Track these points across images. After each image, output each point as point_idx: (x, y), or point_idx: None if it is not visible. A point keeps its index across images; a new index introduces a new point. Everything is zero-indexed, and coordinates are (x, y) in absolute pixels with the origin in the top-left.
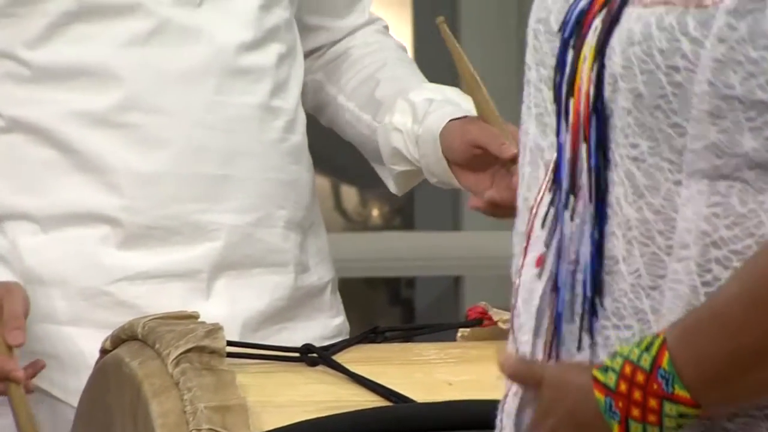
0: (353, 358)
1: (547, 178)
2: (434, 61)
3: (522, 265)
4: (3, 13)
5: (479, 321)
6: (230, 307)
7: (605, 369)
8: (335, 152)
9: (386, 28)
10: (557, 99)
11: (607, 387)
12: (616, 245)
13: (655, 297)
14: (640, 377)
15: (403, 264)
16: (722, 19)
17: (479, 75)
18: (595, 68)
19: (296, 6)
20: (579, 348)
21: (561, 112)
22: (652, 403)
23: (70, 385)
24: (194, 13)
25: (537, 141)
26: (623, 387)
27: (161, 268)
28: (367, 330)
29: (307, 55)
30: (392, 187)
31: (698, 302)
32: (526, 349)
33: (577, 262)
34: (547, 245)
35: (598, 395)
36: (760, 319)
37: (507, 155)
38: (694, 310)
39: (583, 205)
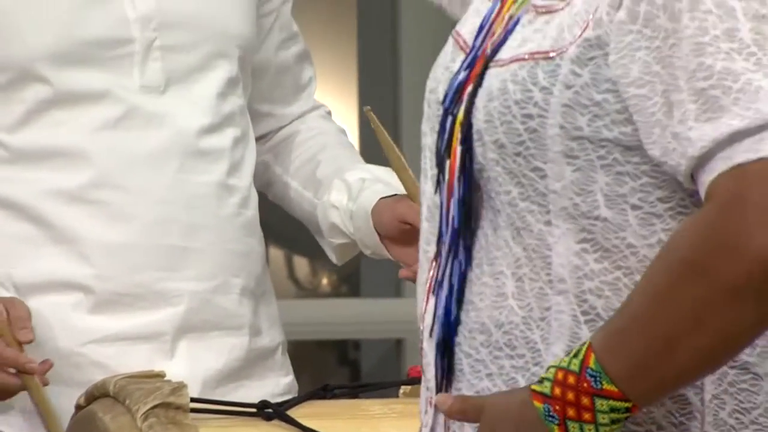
0: (305, 413)
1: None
2: (377, 142)
3: (425, 310)
4: None
5: (419, 379)
6: (192, 367)
7: (540, 380)
8: (289, 226)
9: (329, 113)
10: (438, 162)
11: (544, 394)
12: (505, 283)
13: (543, 327)
14: (571, 379)
15: (350, 328)
16: (567, 68)
17: (406, 158)
18: (463, 129)
19: (249, 94)
20: (478, 378)
21: (440, 173)
22: (585, 401)
23: None
24: (159, 99)
25: (434, 199)
26: (557, 391)
27: (129, 331)
28: (317, 387)
29: (258, 138)
30: (333, 258)
31: (580, 330)
32: (431, 385)
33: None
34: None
35: (537, 404)
36: (663, 311)
37: None
38: (616, 312)
39: (447, 254)
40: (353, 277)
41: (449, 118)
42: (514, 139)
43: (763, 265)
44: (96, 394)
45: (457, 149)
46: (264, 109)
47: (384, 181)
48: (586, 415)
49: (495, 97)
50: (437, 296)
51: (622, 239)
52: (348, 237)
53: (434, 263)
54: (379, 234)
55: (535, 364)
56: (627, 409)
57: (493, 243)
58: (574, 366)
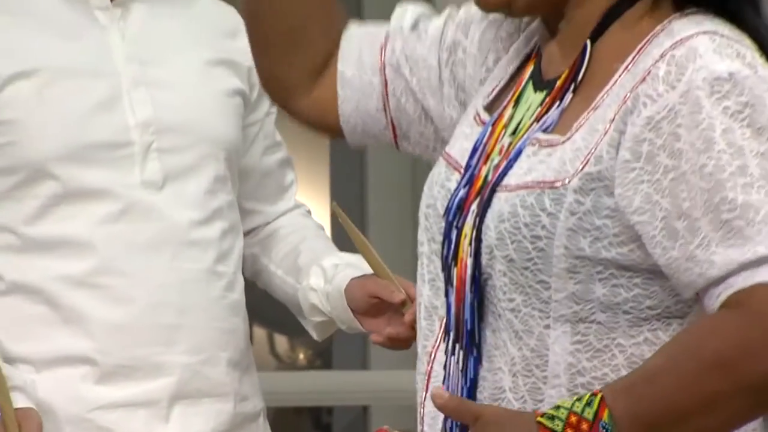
0: None
1: (441, 330)
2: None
3: (425, 398)
4: (5, 196)
5: None
6: (185, 430)
7: (551, 417)
8: (270, 308)
9: (308, 212)
10: (444, 268)
11: (554, 431)
12: (502, 378)
13: None
14: (584, 426)
15: (323, 396)
16: (571, 197)
17: (370, 242)
18: (473, 243)
19: (237, 192)
20: None
21: (446, 278)
22: None
23: None
24: (156, 196)
25: (431, 301)
26: None
27: (129, 399)
28: None
29: (248, 232)
30: (314, 335)
31: None
32: None
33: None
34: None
35: None
36: (686, 391)
37: (397, 300)
38: (626, 376)
39: (461, 351)
40: (326, 352)
41: (454, 231)
42: (523, 256)
43: None
44: None
45: (467, 260)
46: (251, 206)
47: (354, 266)
48: None
49: (506, 218)
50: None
51: (612, 339)
52: (326, 315)
53: (432, 356)
54: (352, 310)
55: None
56: None
57: (491, 343)
58: (588, 414)
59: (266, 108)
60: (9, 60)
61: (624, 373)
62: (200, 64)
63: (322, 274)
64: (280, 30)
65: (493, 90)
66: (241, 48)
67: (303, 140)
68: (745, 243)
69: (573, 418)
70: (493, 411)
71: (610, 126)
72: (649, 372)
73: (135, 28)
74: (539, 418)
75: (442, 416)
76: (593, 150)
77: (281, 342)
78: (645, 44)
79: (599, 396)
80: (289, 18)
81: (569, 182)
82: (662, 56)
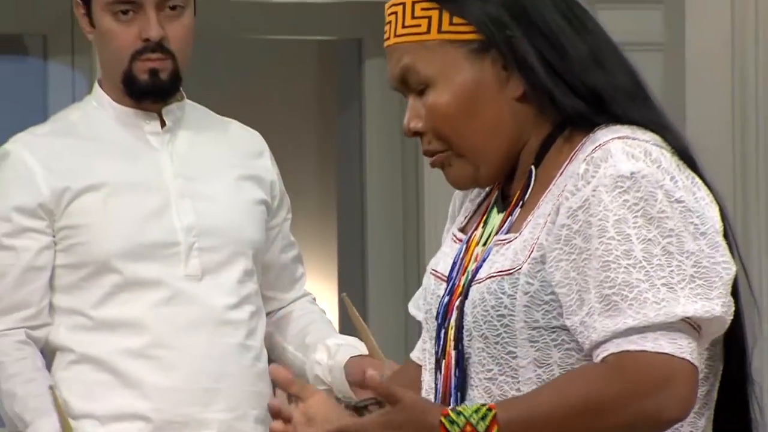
0: None
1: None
2: (349, 318)
3: None
4: (76, 286)
5: None
6: None
7: (451, 421)
8: None
9: (314, 299)
10: (436, 362)
11: None
12: None
13: None
14: None
15: None
16: (523, 279)
17: (370, 329)
18: (455, 331)
19: (260, 282)
20: None
21: (437, 369)
22: None
23: None
24: (197, 285)
25: (430, 384)
26: None
27: None
28: None
29: (266, 315)
30: None
31: None
32: None
33: None
34: None
35: None
36: (557, 419)
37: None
38: (519, 398)
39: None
40: None
41: (442, 331)
42: (493, 332)
43: (629, 416)
44: None
45: (452, 353)
46: (271, 294)
47: (353, 346)
48: None
49: (477, 304)
50: None
51: None
52: (327, 385)
53: None
54: (349, 382)
55: None
56: None
57: None
58: (481, 428)
59: (284, 214)
60: (79, 177)
61: None
62: (232, 180)
63: (326, 351)
64: None
65: (465, 217)
66: (265, 166)
67: (312, 235)
68: (618, 315)
69: (468, 428)
70: (411, 398)
71: (547, 219)
72: (535, 401)
73: (181, 151)
74: (442, 418)
75: None
76: (536, 240)
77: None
78: (576, 152)
79: (493, 412)
80: None
81: (521, 268)
82: (585, 159)
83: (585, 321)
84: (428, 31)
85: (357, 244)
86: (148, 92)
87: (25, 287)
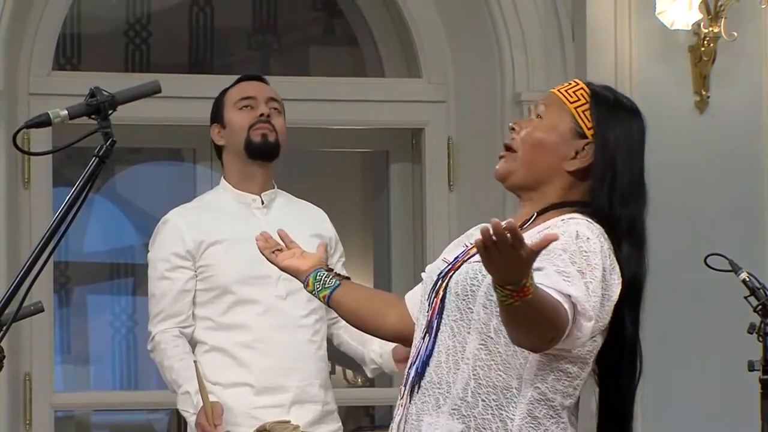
0: None
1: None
2: None
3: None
4: (208, 302)
5: None
6: (297, 419)
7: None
8: (343, 358)
9: None
10: (428, 325)
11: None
12: (450, 368)
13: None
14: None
15: (369, 401)
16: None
17: None
18: (442, 292)
19: None
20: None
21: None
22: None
23: None
24: (283, 302)
25: (418, 340)
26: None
27: (270, 403)
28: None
29: (329, 320)
30: (368, 374)
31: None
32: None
33: None
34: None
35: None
36: (539, 308)
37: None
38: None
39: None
40: (371, 379)
41: (437, 287)
42: (463, 293)
43: (557, 339)
44: (260, 429)
45: (440, 294)
46: None
47: (390, 345)
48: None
49: (461, 274)
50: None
51: (506, 343)
52: (378, 365)
53: (416, 361)
54: (394, 360)
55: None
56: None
57: (441, 338)
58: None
59: (338, 257)
60: (209, 234)
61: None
62: (306, 236)
63: (378, 343)
64: (360, 321)
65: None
66: (326, 227)
67: (356, 275)
68: (571, 285)
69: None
70: (528, 249)
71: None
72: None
73: (273, 218)
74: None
75: None
76: None
77: (348, 373)
78: (554, 222)
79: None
80: (365, 314)
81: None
82: (564, 220)
83: (557, 282)
84: (572, 103)
85: (385, 277)
86: (261, 149)
87: (178, 303)
